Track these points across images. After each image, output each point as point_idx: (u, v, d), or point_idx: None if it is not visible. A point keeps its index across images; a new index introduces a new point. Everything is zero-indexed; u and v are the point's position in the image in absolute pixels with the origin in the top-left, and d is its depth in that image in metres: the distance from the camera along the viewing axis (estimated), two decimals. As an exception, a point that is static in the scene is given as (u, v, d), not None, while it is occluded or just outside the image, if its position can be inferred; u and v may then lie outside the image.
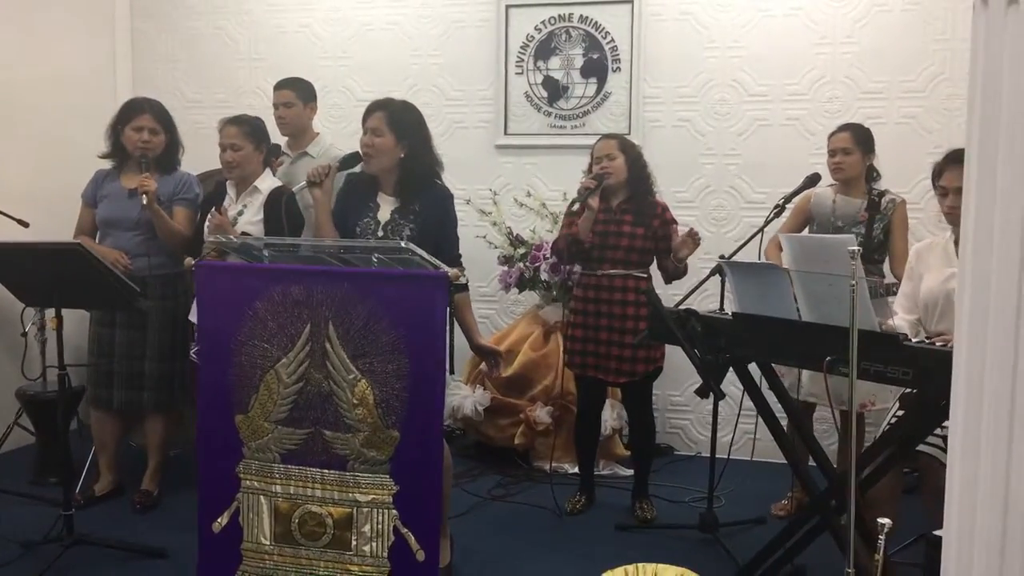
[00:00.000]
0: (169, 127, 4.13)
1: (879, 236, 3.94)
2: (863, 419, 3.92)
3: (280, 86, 4.49)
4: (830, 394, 2.84)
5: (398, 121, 3.25)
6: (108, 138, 4.10)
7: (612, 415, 4.58)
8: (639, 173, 3.98)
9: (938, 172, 3.20)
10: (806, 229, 4.10)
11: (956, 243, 3.16)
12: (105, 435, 4.22)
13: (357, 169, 3.42)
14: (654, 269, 4.04)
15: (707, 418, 4.87)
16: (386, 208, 3.30)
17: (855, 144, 3.95)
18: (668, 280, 4.02)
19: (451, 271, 2.76)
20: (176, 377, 4.16)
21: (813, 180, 3.90)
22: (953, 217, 3.14)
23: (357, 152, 3.36)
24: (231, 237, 3.33)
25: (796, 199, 4.06)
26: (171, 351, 4.12)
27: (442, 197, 3.35)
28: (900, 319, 3.24)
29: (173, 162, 4.16)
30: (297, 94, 4.44)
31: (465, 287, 3.44)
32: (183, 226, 4.06)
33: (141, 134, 4.01)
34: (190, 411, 4.31)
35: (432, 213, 3.27)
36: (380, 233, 3.24)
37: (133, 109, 4.08)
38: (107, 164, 4.16)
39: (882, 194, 3.98)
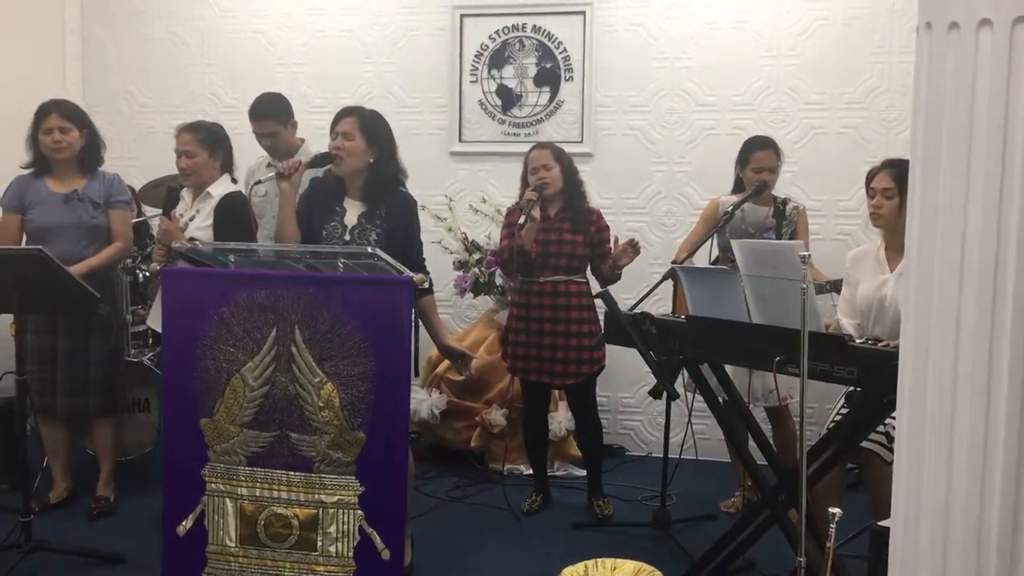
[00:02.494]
0: (83, 123, 4.03)
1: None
2: (787, 410, 4.08)
3: (258, 116, 4.23)
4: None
5: (369, 127, 3.32)
6: (29, 148, 4.01)
7: (565, 417, 4.66)
8: (573, 180, 4.09)
9: (871, 176, 3.43)
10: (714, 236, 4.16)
11: (886, 250, 3.34)
12: (54, 443, 4.18)
13: (321, 173, 3.46)
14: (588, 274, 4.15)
15: (657, 419, 4.99)
16: (352, 213, 3.35)
17: (778, 161, 4.10)
18: (604, 284, 4.10)
19: (416, 276, 2.83)
20: (119, 380, 4.17)
21: (760, 189, 4.03)
22: (875, 216, 3.34)
23: (327, 153, 3.41)
24: (179, 243, 3.36)
25: (704, 208, 4.26)
26: (114, 355, 4.12)
27: (407, 203, 3.42)
28: (845, 322, 3.40)
29: (96, 160, 4.09)
30: (277, 120, 4.24)
31: (430, 290, 3.51)
32: (122, 230, 4.06)
33: (52, 135, 3.94)
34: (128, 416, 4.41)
35: (398, 218, 3.34)
36: (347, 237, 3.29)
37: (41, 113, 3.98)
38: None
39: (785, 201, 4.12)
